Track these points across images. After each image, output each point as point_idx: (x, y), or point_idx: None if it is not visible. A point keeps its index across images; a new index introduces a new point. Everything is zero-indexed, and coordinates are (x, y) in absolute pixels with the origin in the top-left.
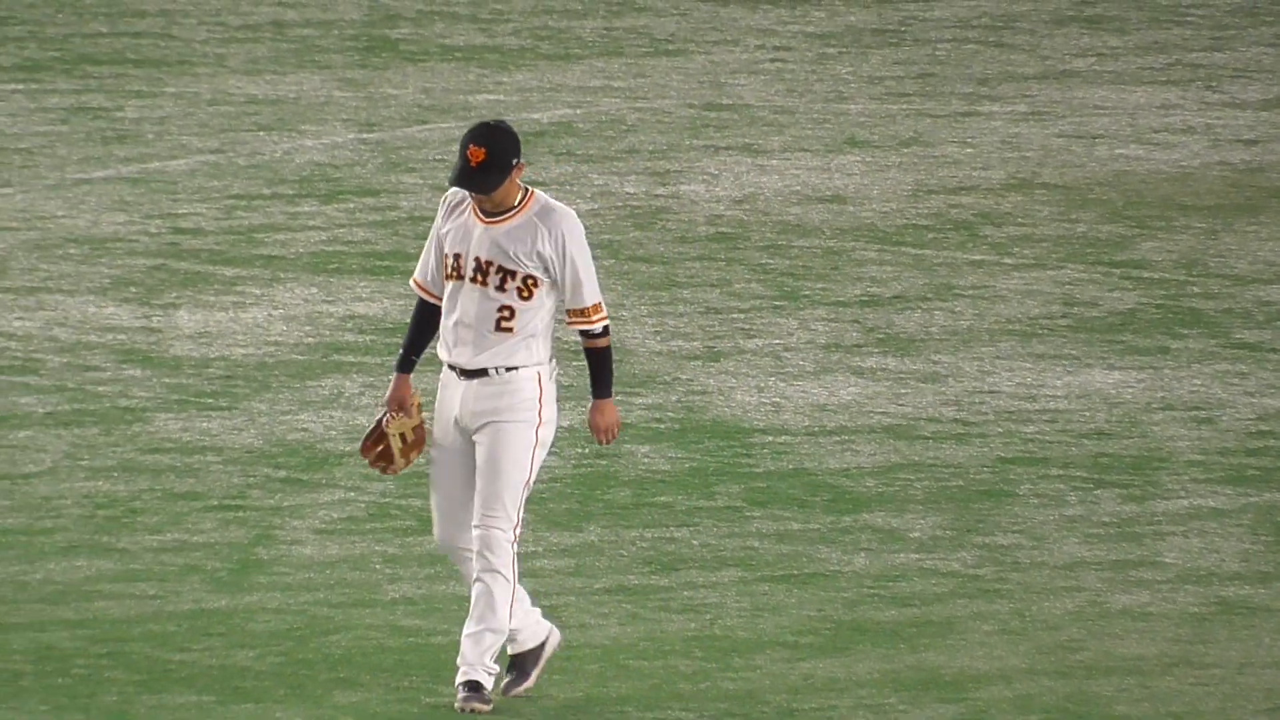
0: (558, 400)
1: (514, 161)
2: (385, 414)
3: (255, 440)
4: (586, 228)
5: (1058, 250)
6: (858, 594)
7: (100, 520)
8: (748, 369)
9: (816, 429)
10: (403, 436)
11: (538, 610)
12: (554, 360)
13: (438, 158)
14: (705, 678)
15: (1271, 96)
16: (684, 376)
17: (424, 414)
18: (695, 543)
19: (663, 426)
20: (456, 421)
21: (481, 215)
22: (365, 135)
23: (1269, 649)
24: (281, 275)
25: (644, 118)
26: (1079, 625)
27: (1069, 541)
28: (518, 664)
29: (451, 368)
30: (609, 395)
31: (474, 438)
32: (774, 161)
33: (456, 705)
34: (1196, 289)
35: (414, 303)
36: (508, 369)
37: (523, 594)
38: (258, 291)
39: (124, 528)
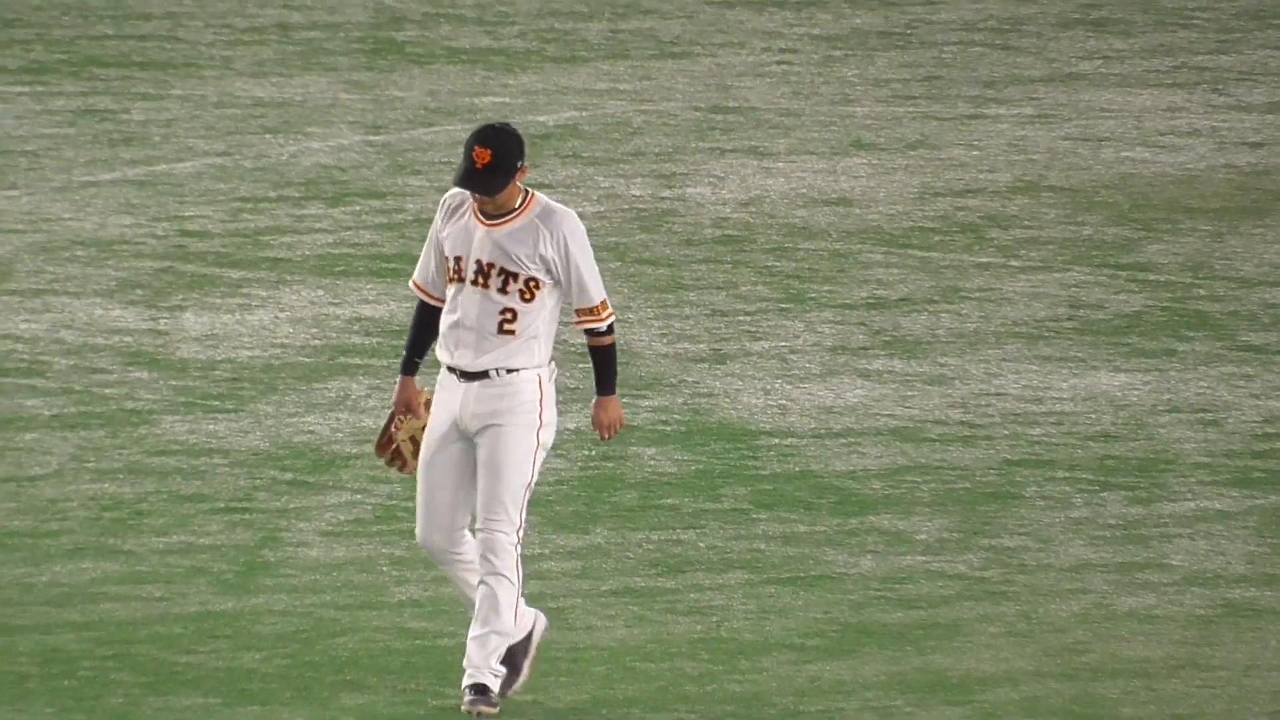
0: (557, 402)
1: (518, 164)
2: (394, 416)
3: (261, 442)
4: (592, 230)
5: (1064, 253)
6: (864, 596)
7: (106, 522)
8: (754, 371)
9: (823, 431)
10: (413, 439)
11: (522, 599)
12: (553, 362)
13: (444, 160)
14: (711, 680)
15: (1277, 99)
16: (690, 379)
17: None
18: (702, 545)
19: (669, 429)
20: (457, 424)
21: (482, 218)
22: (371, 138)
23: (1275, 651)
24: (288, 277)
25: (650, 120)
26: (1085, 627)
27: (1075, 544)
28: (508, 660)
29: (452, 370)
30: (613, 392)
31: (474, 440)
32: (780, 164)
33: (463, 708)
34: (1202, 291)
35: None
36: (509, 371)
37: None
38: (264, 294)
39: (130, 530)
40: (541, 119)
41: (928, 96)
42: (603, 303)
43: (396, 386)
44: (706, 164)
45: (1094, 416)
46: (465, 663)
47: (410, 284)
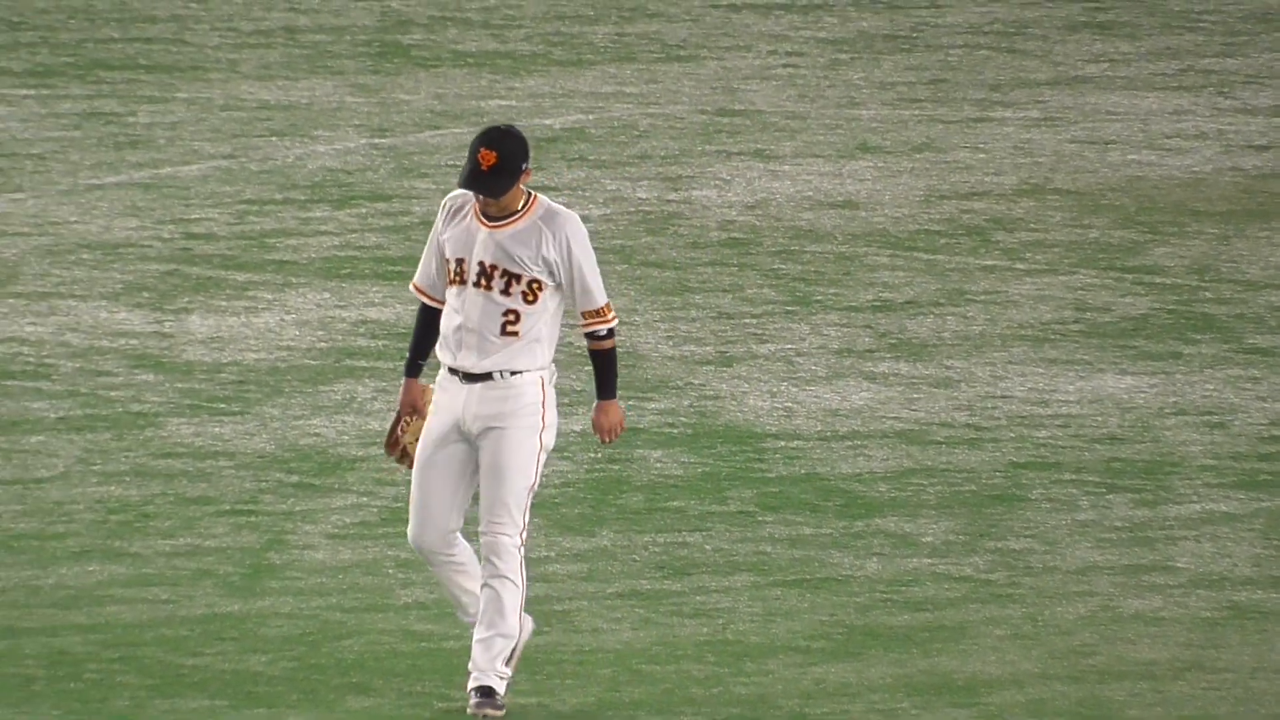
0: (558, 405)
1: (523, 166)
2: (400, 418)
3: (267, 445)
4: (598, 233)
5: (1070, 255)
6: (870, 599)
7: (112, 525)
8: (760, 374)
9: (829, 434)
10: (419, 440)
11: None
12: (553, 364)
13: (450, 163)
14: (717, 683)
15: None
16: (696, 381)
17: None
18: (708, 548)
19: (675, 431)
20: (458, 425)
21: (484, 219)
22: (377, 140)
23: None
24: (294, 280)
25: (656, 123)
26: (1091, 630)
27: (1081, 546)
28: None
29: (454, 371)
30: (613, 396)
31: (476, 443)
32: (786, 167)
33: (469, 710)
34: (1209, 294)
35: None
36: (512, 373)
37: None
38: (270, 296)
39: (136, 532)
40: (547, 122)
41: (933, 99)
42: (606, 305)
43: (401, 389)
44: (712, 167)
45: (1100, 419)
46: (470, 665)
47: (411, 287)
